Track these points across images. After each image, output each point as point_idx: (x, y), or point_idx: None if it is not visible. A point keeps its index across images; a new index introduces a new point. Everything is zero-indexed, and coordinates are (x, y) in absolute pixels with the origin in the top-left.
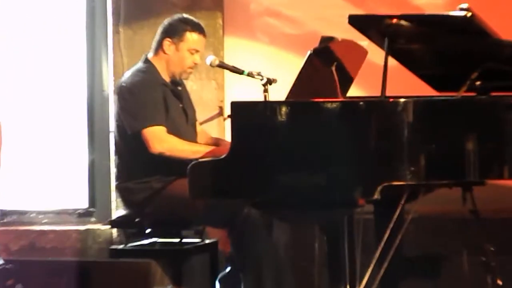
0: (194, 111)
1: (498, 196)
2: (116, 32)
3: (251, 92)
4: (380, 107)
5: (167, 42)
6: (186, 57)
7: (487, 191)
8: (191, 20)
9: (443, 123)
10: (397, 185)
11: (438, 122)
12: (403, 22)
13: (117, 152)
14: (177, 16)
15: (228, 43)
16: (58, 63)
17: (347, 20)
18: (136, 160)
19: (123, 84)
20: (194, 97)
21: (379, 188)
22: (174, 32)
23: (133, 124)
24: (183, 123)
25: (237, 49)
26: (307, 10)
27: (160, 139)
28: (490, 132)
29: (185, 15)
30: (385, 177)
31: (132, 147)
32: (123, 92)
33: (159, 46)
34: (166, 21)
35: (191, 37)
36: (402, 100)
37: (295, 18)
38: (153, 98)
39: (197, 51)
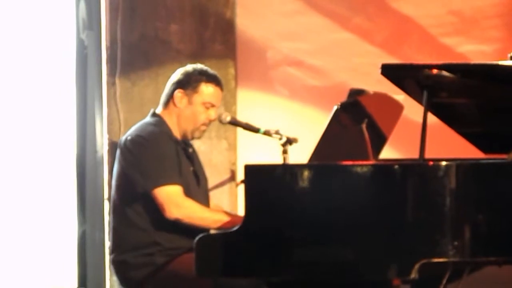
0: (206, 179)
1: None
2: (111, 83)
3: (268, 153)
4: (418, 171)
5: (179, 94)
6: (200, 111)
7: None
8: (207, 71)
9: (492, 190)
10: (437, 262)
11: (486, 189)
12: (444, 73)
13: (115, 219)
14: (190, 66)
15: (242, 96)
16: (45, 119)
17: (380, 70)
18: (139, 227)
19: (129, 137)
20: (202, 159)
21: (416, 266)
22: (187, 83)
23: (143, 183)
24: (195, 187)
25: (252, 103)
26: (334, 59)
27: (177, 203)
28: None
29: (200, 66)
30: (424, 253)
31: (137, 211)
32: (130, 146)
33: (169, 98)
34: (178, 71)
35: (207, 89)
36: (443, 163)
37: (319, 68)
38: (167, 153)
39: (212, 105)
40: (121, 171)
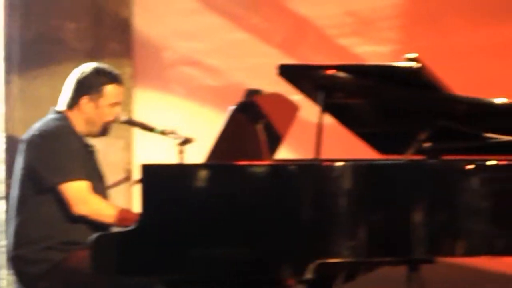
0: (104, 178)
1: (449, 276)
2: (8, 81)
3: (165, 153)
4: (313, 171)
5: (85, 101)
6: (107, 113)
7: (436, 270)
8: (106, 70)
9: (387, 191)
10: (332, 262)
11: (381, 189)
12: (340, 73)
13: (18, 214)
14: (88, 66)
15: (139, 95)
16: None
17: (276, 71)
18: (41, 222)
19: (37, 133)
20: (98, 159)
21: (311, 266)
22: (91, 88)
23: (50, 178)
24: (98, 184)
25: (148, 102)
26: (230, 59)
27: (85, 199)
28: (441, 202)
29: (98, 65)
30: (319, 253)
31: (40, 205)
32: (37, 141)
33: (74, 103)
34: (79, 74)
35: (111, 90)
36: (339, 163)
37: (216, 68)
38: (74, 149)
39: (117, 103)
40: (27, 166)
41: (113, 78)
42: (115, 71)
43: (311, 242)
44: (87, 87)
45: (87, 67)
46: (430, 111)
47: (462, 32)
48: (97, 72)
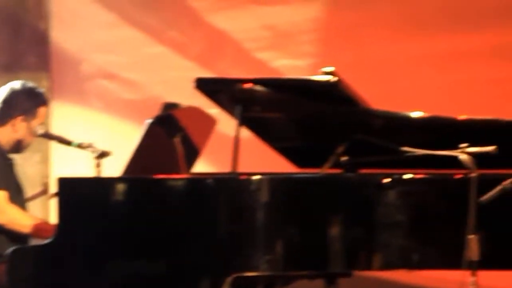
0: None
1: None
2: None
3: (82, 166)
4: (230, 185)
5: (19, 120)
6: (36, 130)
7: (354, 284)
8: (39, 92)
9: (304, 205)
10: (249, 276)
11: (298, 203)
12: (258, 87)
13: None
14: (19, 85)
15: (56, 109)
16: None
17: (193, 84)
18: None
19: None
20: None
21: (228, 280)
22: (26, 111)
23: None
24: (17, 196)
25: (66, 116)
26: (148, 72)
27: (2, 208)
28: (359, 216)
29: (28, 84)
30: (236, 267)
31: None
32: None
33: (7, 120)
34: (9, 92)
35: (43, 111)
36: (256, 177)
37: (134, 81)
38: None
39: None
40: None
41: (44, 100)
42: (42, 90)
43: (228, 255)
44: (23, 111)
45: (17, 87)
46: (347, 125)
47: (379, 46)
48: (29, 93)
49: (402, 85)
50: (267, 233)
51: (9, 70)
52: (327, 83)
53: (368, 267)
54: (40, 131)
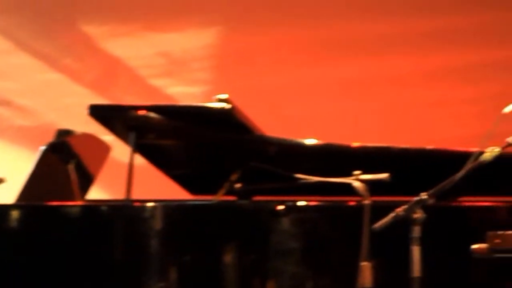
0: None
1: None
2: None
3: None
4: (124, 212)
5: None
6: None
7: None
8: None
9: (198, 232)
10: None
11: (192, 230)
12: (152, 114)
13: None
14: None
15: None
16: None
17: (87, 111)
18: None
19: None
20: None
21: None
22: None
23: None
24: None
25: None
26: (42, 99)
27: None
28: (251, 243)
29: None
30: None
31: None
32: None
33: None
34: None
35: None
36: (150, 204)
37: (28, 108)
38: None
39: None
40: None
41: None
42: None
43: (122, 283)
44: None
45: None
46: (241, 152)
47: (273, 73)
48: None
49: (295, 111)
50: (161, 260)
51: None
52: (220, 110)
53: None
54: None
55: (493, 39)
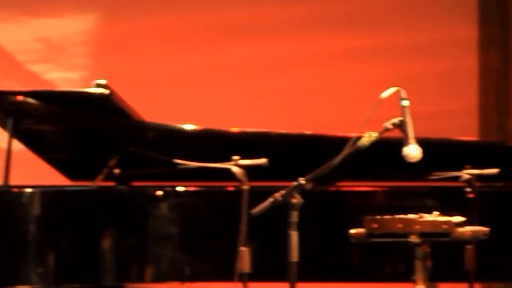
0: None
1: None
2: None
3: None
4: (1, 197)
5: None
6: None
7: None
8: None
9: (76, 217)
10: None
11: (70, 216)
12: (30, 100)
13: None
14: None
15: None
16: None
17: None
18: None
19: None
20: None
21: None
22: None
23: None
24: None
25: None
26: None
27: None
28: (130, 228)
29: None
30: (7, 281)
31: None
32: None
33: None
34: None
35: None
36: (28, 190)
37: None
38: None
39: None
40: None
41: None
42: None
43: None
44: None
45: None
46: (119, 137)
47: (153, 59)
48: None
49: (175, 97)
50: (39, 246)
51: None
52: (99, 95)
53: (140, 280)
54: None
55: (374, 25)
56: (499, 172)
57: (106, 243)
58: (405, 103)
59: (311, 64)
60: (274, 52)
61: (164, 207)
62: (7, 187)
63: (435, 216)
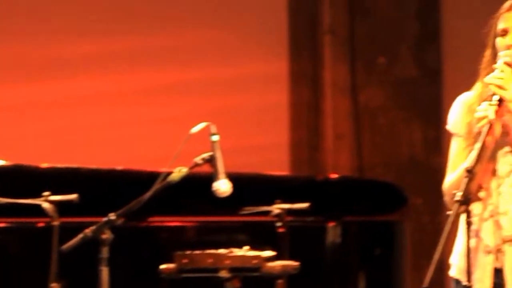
0: None
1: None
2: None
3: None
4: None
5: None
6: None
7: None
8: None
9: None
10: None
11: None
12: None
13: None
14: None
15: None
16: None
17: None
18: None
19: None
20: None
21: None
22: None
23: None
24: None
25: None
26: None
27: None
28: None
29: None
30: None
31: None
32: None
33: None
34: None
35: None
36: None
37: None
38: None
39: None
40: None
41: None
42: None
43: None
44: None
45: None
46: None
47: None
48: None
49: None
50: None
51: None
52: None
53: None
54: None
55: (187, 60)
56: (310, 206)
57: None
58: (215, 138)
59: (124, 99)
60: (85, 88)
61: None
62: None
63: (245, 251)
